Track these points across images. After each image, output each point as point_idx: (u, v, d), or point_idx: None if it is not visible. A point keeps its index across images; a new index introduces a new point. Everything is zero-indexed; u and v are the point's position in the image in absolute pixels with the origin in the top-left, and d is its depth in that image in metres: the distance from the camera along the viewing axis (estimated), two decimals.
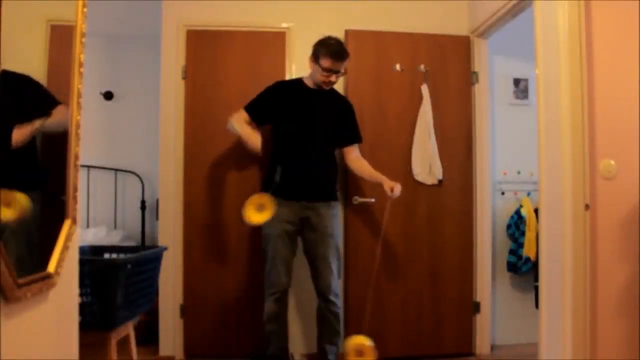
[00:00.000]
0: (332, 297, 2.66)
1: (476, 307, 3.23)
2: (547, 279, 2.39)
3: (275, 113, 2.74)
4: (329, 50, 2.62)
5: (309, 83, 2.76)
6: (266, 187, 2.71)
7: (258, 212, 2.53)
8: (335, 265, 2.69)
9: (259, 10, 3.24)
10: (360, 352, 2.45)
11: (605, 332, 2.14)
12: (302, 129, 2.70)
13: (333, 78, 2.66)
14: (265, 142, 2.59)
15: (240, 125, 2.64)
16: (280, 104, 2.74)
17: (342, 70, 2.69)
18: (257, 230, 3.14)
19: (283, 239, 2.65)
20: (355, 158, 2.84)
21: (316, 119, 2.74)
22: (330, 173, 2.80)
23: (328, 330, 2.70)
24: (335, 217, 2.76)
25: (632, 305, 2.11)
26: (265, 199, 2.53)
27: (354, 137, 2.86)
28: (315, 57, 2.66)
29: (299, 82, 2.82)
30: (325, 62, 2.61)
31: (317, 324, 2.77)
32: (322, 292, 2.67)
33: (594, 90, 2.19)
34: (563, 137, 2.26)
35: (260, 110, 2.74)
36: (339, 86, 2.98)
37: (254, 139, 2.53)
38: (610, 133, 2.17)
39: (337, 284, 2.71)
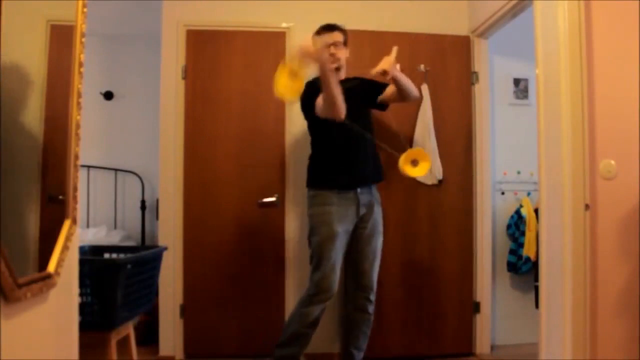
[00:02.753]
0: (371, 297, 2.63)
1: (476, 307, 3.23)
2: (547, 279, 2.39)
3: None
4: (318, 29, 2.65)
5: None
6: (316, 179, 2.65)
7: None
8: (377, 265, 2.67)
9: (259, 10, 3.24)
10: (415, 161, 2.49)
11: (605, 332, 2.14)
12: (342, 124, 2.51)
13: (332, 49, 2.58)
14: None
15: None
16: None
17: (340, 40, 2.63)
18: (257, 230, 3.15)
19: (342, 240, 2.56)
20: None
21: (349, 110, 2.54)
22: (375, 159, 2.70)
23: (358, 334, 2.67)
24: (381, 214, 2.73)
25: (632, 305, 2.11)
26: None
27: (378, 85, 2.74)
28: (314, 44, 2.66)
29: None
30: (318, 41, 2.58)
31: (344, 326, 2.73)
32: (362, 291, 2.63)
33: (594, 90, 2.19)
34: (563, 137, 2.26)
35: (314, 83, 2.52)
36: None
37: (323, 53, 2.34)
38: (610, 133, 2.17)
39: (375, 285, 2.68)
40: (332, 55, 2.58)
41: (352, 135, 2.53)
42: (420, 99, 3.07)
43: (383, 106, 2.83)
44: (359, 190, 2.60)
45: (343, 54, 2.66)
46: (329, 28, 2.64)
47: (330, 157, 2.63)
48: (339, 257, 2.56)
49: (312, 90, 2.49)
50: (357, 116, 2.56)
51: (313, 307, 2.52)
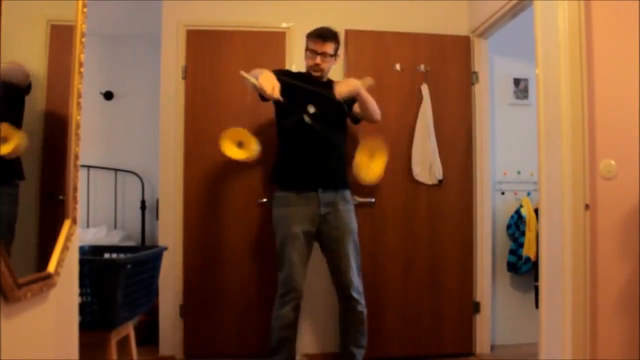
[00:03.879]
0: (354, 294, 2.59)
1: (476, 307, 3.23)
2: (547, 279, 2.39)
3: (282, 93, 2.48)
4: (314, 31, 2.65)
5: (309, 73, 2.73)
6: (277, 177, 2.70)
7: (238, 148, 2.47)
8: (355, 262, 2.64)
9: (259, 10, 3.24)
10: (372, 153, 2.47)
11: (605, 332, 2.14)
12: (300, 118, 2.60)
13: (318, 60, 2.61)
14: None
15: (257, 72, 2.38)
16: (285, 86, 2.53)
17: (329, 52, 2.63)
18: (257, 230, 3.15)
19: (301, 240, 2.58)
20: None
21: (314, 95, 2.63)
22: (339, 161, 2.70)
23: (354, 333, 2.65)
24: (352, 212, 2.71)
25: (632, 305, 2.11)
26: (244, 133, 2.47)
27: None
28: (306, 44, 2.68)
29: (302, 73, 2.79)
30: (310, 44, 2.63)
31: (340, 324, 2.72)
32: (344, 290, 2.61)
33: (594, 90, 2.19)
34: (563, 137, 2.26)
35: (281, 76, 2.49)
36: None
37: (268, 82, 2.27)
38: (610, 133, 2.17)
39: (358, 282, 2.64)
40: (316, 65, 2.63)
41: (315, 137, 2.56)
42: (420, 99, 3.07)
43: (356, 119, 2.82)
44: (320, 190, 2.60)
45: (328, 64, 2.68)
46: (322, 37, 2.62)
47: (291, 157, 2.67)
48: (302, 257, 2.58)
49: (279, 72, 2.56)
50: (326, 119, 2.62)
51: (284, 308, 2.56)
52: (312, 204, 2.60)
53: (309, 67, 2.68)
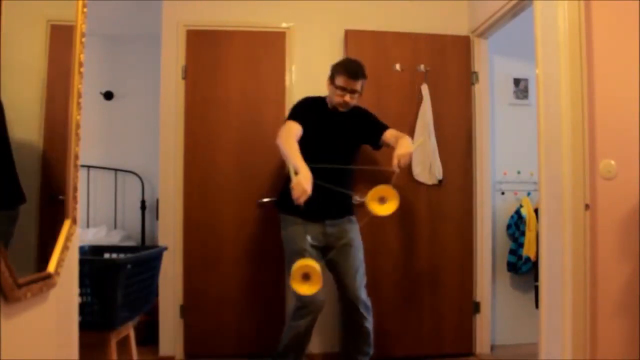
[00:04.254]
0: (362, 310, 2.57)
1: (476, 307, 3.23)
2: (547, 279, 2.39)
3: (305, 124, 2.53)
4: (344, 67, 2.55)
5: (329, 105, 2.67)
6: (284, 206, 2.63)
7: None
8: (360, 277, 2.63)
9: (259, 10, 3.24)
10: (382, 198, 2.38)
11: (605, 332, 2.14)
12: (316, 149, 2.51)
13: (347, 97, 2.54)
14: None
15: (290, 148, 2.33)
16: (308, 117, 2.58)
17: (358, 89, 2.56)
18: (257, 230, 3.15)
19: (311, 253, 2.52)
20: (394, 138, 2.64)
21: (331, 139, 2.62)
22: (346, 193, 2.62)
23: (361, 343, 2.64)
24: (357, 230, 2.71)
25: (632, 305, 2.11)
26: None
27: (380, 128, 2.70)
28: (332, 77, 2.59)
29: (322, 100, 2.71)
30: (340, 80, 2.53)
31: (343, 334, 2.72)
32: (350, 305, 2.60)
33: (594, 90, 2.19)
34: (563, 137, 2.26)
35: (303, 118, 2.54)
36: None
37: (300, 184, 2.16)
38: (610, 133, 2.17)
39: (366, 297, 2.62)
40: (345, 102, 2.56)
41: (325, 173, 2.38)
42: (420, 99, 3.07)
43: (379, 145, 2.76)
44: (327, 221, 2.62)
45: (355, 100, 2.62)
46: (355, 76, 2.53)
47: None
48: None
49: (300, 106, 2.61)
50: (339, 148, 2.60)
51: (301, 320, 2.52)
52: (317, 225, 2.61)
53: (337, 104, 2.59)
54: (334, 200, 2.56)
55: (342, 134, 2.66)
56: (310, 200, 2.21)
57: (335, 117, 2.65)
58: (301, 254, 2.47)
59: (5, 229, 1.08)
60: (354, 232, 2.69)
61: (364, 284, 2.64)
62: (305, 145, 2.41)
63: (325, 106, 2.68)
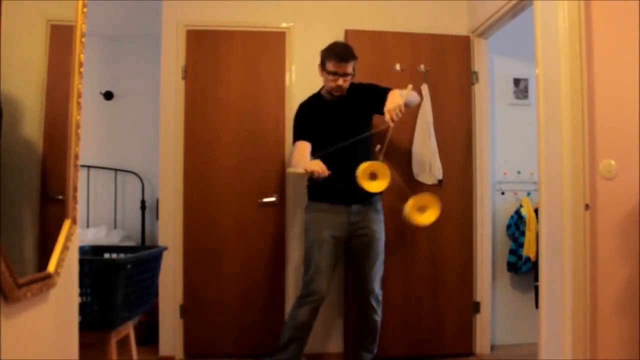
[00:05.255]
0: (372, 302, 2.62)
1: (476, 307, 3.23)
2: (547, 279, 2.39)
3: (310, 133, 2.64)
4: (333, 52, 2.58)
5: (325, 95, 2.70)
6: (312, 194, 2.71)
7: (371, 180, 2.40)
8: (378, 271, 2.66)
9: (259, 10, 3.24)
10: (422, 207, 2.43)
11: (605, 332, 2.14)
12: (330, 142, 2.52)
13: (340, 81, 2.57)
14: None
15: (298, 163, 2.49)
16: (309, 124, 2.67)
17: (350, 72, 2.59)
18: (257, 230, 3.15)
19: (329, 245, 2.57)
20: None
21: (340, 127, 2.63)
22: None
23: (367, 339, 2.70)
24: (382, 223, 2.72)
25: (632, 305, 2.11)
26: (378, 166, 2.40)
27: (381, 96, 2.58)
28: (323, 63, 2.62)
29: (316, 97, 2.75)
30: (330, 65, 2.56)
31: (353, 330, 2.76)
32: (363, 296, 2.64)
33: (594, 90, 2.19)
34: (563, 137, 2.26)
35: (305, 131, 2.65)
36: None
37: (315, 166, 2.36)
38: (610, 133, 2.17)
39: (379, 291, 2.68)
40: (339, 87, 2.59)
41: (344, 153, 2.47)
42: (420, 100, 3.06)
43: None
44: (353, 206, 2.62)
45: (349, 82, 2.63)
46: (344, 59, 2.55)
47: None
48: (328, 262, 2.57)
49: (299, 121, 2.70)
50: (350, 130, 2.57)
51: (302, 309, 2.56)
52: (342, 213, 2.62)
53: (331, 89, 2.62)
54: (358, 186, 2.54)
55: (347, 117, 2.66)
56: (334, 178, 2.37)
57: (335, 104, 2.67)
58: (319, 245, 2.56)
59: None
60: (378, 223, 2.70)
61: (379, 275, 2.68)
62: (319, 143, 2.54)
63: (321, 100, 2.71)
